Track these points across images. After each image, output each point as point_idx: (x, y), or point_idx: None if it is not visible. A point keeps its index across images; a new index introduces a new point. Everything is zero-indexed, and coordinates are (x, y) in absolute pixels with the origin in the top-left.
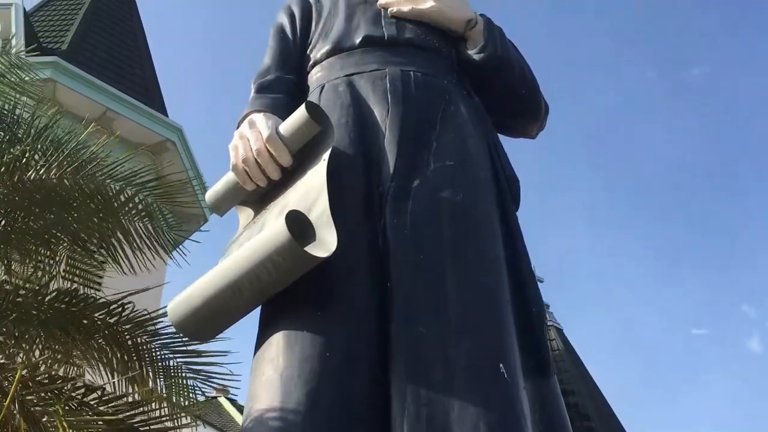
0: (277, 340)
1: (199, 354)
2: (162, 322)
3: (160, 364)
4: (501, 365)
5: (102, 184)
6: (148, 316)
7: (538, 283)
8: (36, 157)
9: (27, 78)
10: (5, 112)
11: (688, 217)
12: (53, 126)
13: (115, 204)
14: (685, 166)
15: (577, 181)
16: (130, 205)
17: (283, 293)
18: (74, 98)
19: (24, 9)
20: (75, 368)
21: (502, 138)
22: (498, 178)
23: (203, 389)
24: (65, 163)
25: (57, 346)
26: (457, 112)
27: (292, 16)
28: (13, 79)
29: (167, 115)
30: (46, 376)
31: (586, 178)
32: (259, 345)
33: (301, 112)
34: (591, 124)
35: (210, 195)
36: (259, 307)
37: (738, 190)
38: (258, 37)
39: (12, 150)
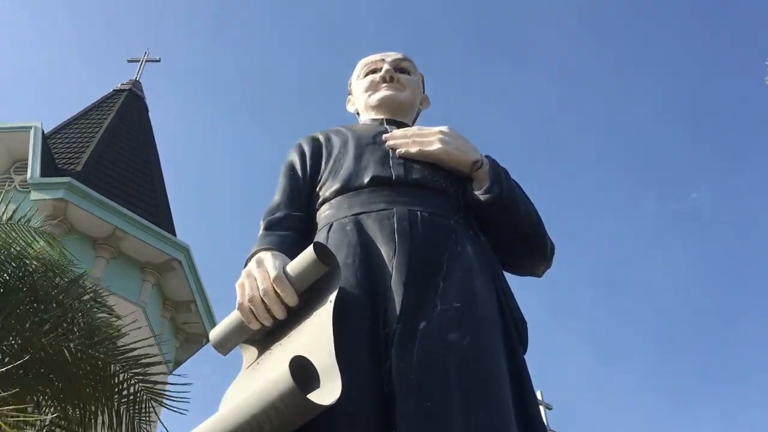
0: None
1: None
2: None
3: None
4: None
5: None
6: None
7: (547, 410)
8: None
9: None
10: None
11: (693, 347)
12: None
13: (112, 383)
14: (688, 294)
15: (583, 309)
16: (123, 387)
17: None
18: (84, 218)
19: (42, 131)
20: None
21: (508, 276)
22: (506, 320)
23: None
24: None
25: None
26: (464, 252)
27: (302, 155)
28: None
29: (175, 234)
30: None
31: (592, 306)
32: None
33: (309, 253)
34: (594, 251)
35: (214, 334)
36: None
37: (745, 321)
38: (270, 160)
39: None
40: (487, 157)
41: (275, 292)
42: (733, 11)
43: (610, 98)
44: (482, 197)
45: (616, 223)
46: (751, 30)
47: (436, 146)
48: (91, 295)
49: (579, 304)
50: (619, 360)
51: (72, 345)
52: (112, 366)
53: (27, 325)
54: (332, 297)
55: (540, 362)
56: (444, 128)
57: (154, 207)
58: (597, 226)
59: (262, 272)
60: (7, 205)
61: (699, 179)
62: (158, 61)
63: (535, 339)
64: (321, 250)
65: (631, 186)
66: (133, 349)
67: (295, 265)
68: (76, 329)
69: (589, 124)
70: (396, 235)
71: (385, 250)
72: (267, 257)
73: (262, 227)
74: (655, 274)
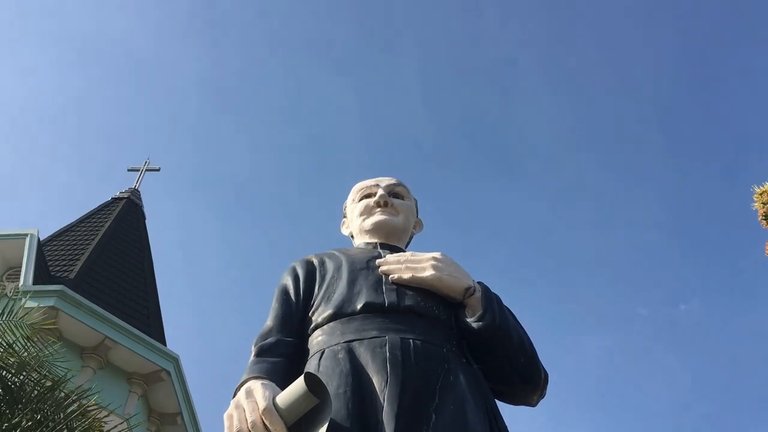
0: None
1: None
2: None
3: None
4: None
5: None
6: None
7: None
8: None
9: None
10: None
11: None
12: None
13: None
14: (685, 405)
15: (580, 427)
16: None
17: None
18: (75, 326)
19: (38, 239)
20: None
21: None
22: None
23: None
24: None
25: None
26: (456, 382)
27: (296, 279)
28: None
29: (165, 343)
30: None
31: (588, 424)
32: None
33: (299, 385)
34: (587, 368)
35: None
36: None
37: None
38: (267, 271)
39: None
40: (479, 283)
41: (264, 424)
42: (723, 136)
43: (599, 213)
44: (475, 325)
45: (606, 338)
46: (740, 153)
47: (429, 272)
48: (76, 404)
49: (573, 424)
50: None
51: None
52: None
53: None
54: (323, 430)
55: None
56: (437, 254)
57: (146, 316)
58: (588, 342)
59: (251, 403)
60: None
61: (688, 292)
62: (158, 170)
63: None
64: (312, 382)
65: (621, 300)
66: None
67: (285, 396)
68: None
69: (578, 238)
70: (388, 365)
71: (377, 380)
72: (257, 387)
73: (253, 353)
74: (650, 388)
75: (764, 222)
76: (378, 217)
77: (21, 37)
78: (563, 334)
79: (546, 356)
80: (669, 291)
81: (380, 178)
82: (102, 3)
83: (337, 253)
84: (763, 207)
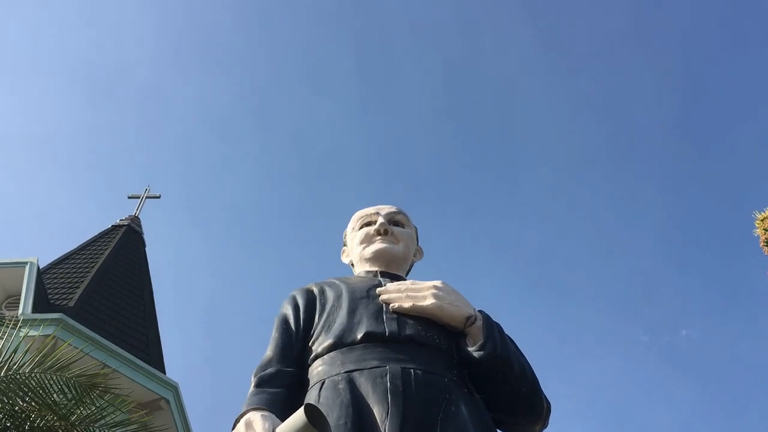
0: None
1: None
2: None
3: None
4: None
5: None
6: None
7: None
8: None
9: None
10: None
11: None
12: None
13: None
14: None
15: None
16: None
17: None
18: (73, 354)
19: (38, 267)
20: None
21: None
22: None
23: None
24: None
25: None
26: (457, 413)
27: (296, 308)
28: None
29: (165, 371)
30: None
31: None
32: None
33: (299, 416)
34: (589, 392)
35: None
36: None
37: None
38: (267, 298)
39: None
40: (480, 311)
41: None
42: (725, 162)
43: (600, 239)
44: (476, 354)
45: (607, 365)
46: (741, 179)
47: (430, 301)
48: None
49: None
50: None
51: None
52: None
53: None
54: None
55: None
56: (437, 283)
57: (145, 344)
58: (589, 369)
59: None
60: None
61: (689, 318)
62: (158, 197)
63: None
64: (312, 414)
65: (622, 326)
66: None
67: (285, 428)
68: None
69: (579, 264)
70: (389, 395)
71: (377, 411)
72: (256, 419)
73: (252, 383)
74: (651, 414)
75: (766, 248)
76: (378, 245)
77: (21, 65)
78: (564, 362)
79: (547, 384)
80: (670, 317)
81: (380, 206)
82: (102, 31)
83: (337, 282)
84: (765, 233)
